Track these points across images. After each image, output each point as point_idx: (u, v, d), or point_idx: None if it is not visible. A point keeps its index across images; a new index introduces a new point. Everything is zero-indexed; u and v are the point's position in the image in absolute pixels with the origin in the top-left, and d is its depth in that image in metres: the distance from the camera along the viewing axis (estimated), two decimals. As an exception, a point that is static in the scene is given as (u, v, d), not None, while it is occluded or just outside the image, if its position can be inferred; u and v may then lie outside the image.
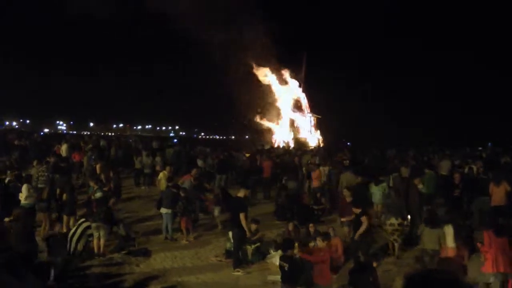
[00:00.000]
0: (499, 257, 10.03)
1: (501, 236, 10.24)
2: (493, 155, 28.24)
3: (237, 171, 23.81)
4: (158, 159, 24.02)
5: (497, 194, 15.50)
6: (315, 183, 19.74)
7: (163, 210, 15.30)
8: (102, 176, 17.78)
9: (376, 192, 16.63)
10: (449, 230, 11.88)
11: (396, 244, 13.64)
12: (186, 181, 17.50)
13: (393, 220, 13.69)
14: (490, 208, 15.61)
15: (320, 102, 47.35)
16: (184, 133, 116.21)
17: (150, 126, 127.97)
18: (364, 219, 12.06)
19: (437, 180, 17.99)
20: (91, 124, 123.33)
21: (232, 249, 13.14)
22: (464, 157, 26.64)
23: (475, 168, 20.64)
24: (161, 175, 18.30)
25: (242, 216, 12.72)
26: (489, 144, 46.53)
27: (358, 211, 12.41)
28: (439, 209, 13.54)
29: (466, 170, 19.96)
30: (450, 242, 11.83)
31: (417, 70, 61.50)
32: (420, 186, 15.78)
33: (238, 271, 12.49)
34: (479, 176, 17.92)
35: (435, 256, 11.81)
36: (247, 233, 12.82)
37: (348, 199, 14.08)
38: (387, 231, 13.89)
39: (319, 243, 9.62)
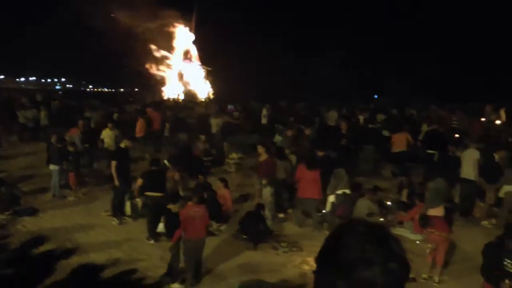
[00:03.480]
0: (309, 186, 11.96)
1: (311, 169, 11.96)
2: (381, 107, 29.55)
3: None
4: (43, 113, 23.32)
5: (399, 141, 16.86)
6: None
7: (51, 167, 14.88)
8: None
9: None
10: None
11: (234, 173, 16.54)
12: (74, 135, 17.09)
13: (234, 155, 16.88)
14: (392, 154, 16.86)
15: (211, 53, 47.04)
16: (71, 86, 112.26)
17: (34, 78, 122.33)
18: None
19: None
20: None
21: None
22: (352, 108, 27.75)
23: (361, 119, 21.56)
24: (104, 133, 17.52)
25: (112, 164, 12.98)
26: (375, 96, 48.59)
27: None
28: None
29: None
30: None
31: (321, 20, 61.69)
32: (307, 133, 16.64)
33: (113, 220, 12.76)
34: (366, 126, 18.76)
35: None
36: (116, 181, 12.88)
37: (264, 157, 13.46)
38: (229, 163, 17.03)
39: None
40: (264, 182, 13.16)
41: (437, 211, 10.51)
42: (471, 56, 51.48)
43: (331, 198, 12.18)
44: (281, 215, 13.39)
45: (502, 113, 25.09)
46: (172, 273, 9.27)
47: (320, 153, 13.66)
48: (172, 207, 9.44)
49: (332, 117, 22.93)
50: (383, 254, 1.56)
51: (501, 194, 12.79)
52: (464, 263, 10.29)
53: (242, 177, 17.16)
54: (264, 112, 25.98)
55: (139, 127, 20.05)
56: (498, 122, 23.42)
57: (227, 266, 10.11)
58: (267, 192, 13.04)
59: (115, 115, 24.20)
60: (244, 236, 11.34)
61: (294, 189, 13.33)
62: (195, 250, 9.16)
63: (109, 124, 17.76)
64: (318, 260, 1.69)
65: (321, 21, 61.81)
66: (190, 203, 9.37)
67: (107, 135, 17.14)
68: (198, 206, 9.31)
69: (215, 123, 21.47)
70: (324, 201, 12.53)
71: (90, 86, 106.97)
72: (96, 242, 11.38)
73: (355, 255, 1.56)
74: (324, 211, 12.66)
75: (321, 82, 52.22)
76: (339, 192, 12.07)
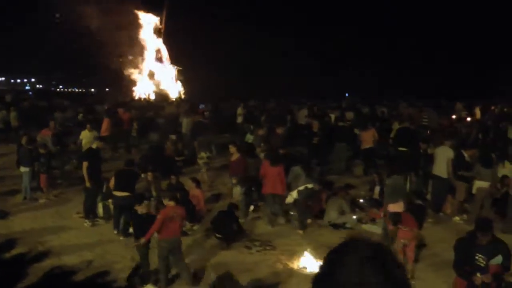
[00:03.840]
0: (273, 181, 12.34)
1: (275, 165, 12.30)
2: (353, 105, 29.80)
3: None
4: (13, 114, 23.07)
5: (366, 137, 17.46)
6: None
7: (22, 169, 14.70)
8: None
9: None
10: None
11: (206, 173, 16.45)
12: (46, 136, 16.93)
13: (202, 154, 16.54)
14: (362, 151, 17.39)
15: (182, 52, 46.79)
16: (41, 86, 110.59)
17: (3, 78, 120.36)
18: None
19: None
20: None
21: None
22: (324, 107, 28.00)
23: (333, 117, 21.68)
24: (83, 134, 17.40)
25: (84, 165, 12.78)
26: (347, 94, 49.08)
27: None
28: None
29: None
30: None
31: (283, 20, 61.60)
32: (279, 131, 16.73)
33: (86, 222, 12.66)
34: (337, 125, 18.89)
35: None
36: (87, 182, 12.73)
37: (235, 156, 13.61)
38: (199, 164, 16.68)
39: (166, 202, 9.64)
40: (234, 181, 13.27)
41: (396, 207, 10.68)
42: (442, 56, 52.21)
43: (294, 194, 12.29)
44: (251, 209, 13.54)
45: (478, 111, 25.73)
46: (137, 274, 9.21)
47: (282, 151, 13.78)
48: (138, 208, 9.35)
49: (303, 115, 23.03)
50: (382, 279, 1.51)
51: (473, 190, 12.99)
52: (436, 258, 10.42)
53: (212, 176, 17.16)
54: (240, 111, 25.94)
55: (105, 127, 19.88)
56: (468, 119, 23.78)
57: (201, 266, 10.11)
58: (237, 191, 13.15)
59: (80, 116, 24.07)
60: (218, 235, 11.34)
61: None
62: (169, 250, 9.09)
63: (88, 125, 17.64)
64: (314, 281, 1.64)
65: (294, 19, 62.04)
66: (171, 203, 9.27)
67: (85, 136, 16.98)
68: (178, 208, 9.25)
69: (186, 123, 21.37)
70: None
71: (60, 86, 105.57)
72: (68, 244, 11.28)
73: (353, 279, 1.51)
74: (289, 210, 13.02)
75: (293, 80, 52.43)
76: (301, 188, 12.17)
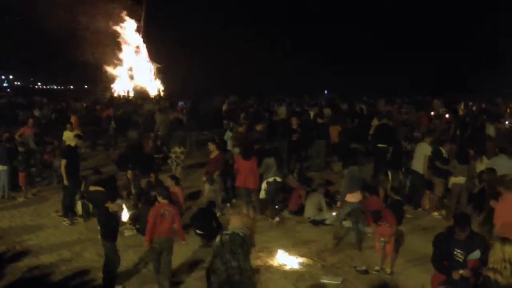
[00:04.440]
0: (245, 175, 12.30)
1: (247, 159, 12.30)
2: (331, 101, 29.95)
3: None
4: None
5: (333, 132, 18.14)
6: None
7: (-1, 167, 14.57)
8: None
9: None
10: None
11: (179, 168, 16.44)
12: (27, 135, 16.77)
13: (176, 149, 16.35)
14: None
15: (162, 49, 46.47)
16: (19, 83, 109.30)
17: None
18: None
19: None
20: None
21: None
22: (304, 104, 28.12)
23: (312, 114, 21.77)
24: (65, 134, 17.01)
25: (62, 162, 12.65)
26: (326, 91, 49.37)
27: None
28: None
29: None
30: None
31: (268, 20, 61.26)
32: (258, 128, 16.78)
33: (65, 221, 12.54)
34: (316, 121, 18.97)
35: None
36: (65, 181, 12.59)
37: (215, 154, 13.63)
38: (172, 158, 16.61)
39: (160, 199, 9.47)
40: (203, 179, 13.37)
41: (353, 197, 10.87)
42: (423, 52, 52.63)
43: (263, 186, 12.50)
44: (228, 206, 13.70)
45: (462, 107, 26.24)
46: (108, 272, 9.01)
47: (256, 146, 13.86)
48: (110, 205, 9.05)
49: (283, 112, 23.10)
50: None
51: (449, 185, 13.11)
52: (415, 254, 10.46)
53: (191, 173, 17.17)
54: (225, 107, 25.92)
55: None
56: (447, 116, 24.03)
57: (180, 263, 10.03)
58: (207, 189, 13.18)
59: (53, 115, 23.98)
60: (198, 232, 11.26)
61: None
62: (160, 251, 8.87)
63: (68, 125, 17.40)
64: None
65: (277, 16, 62.08)
66: (164, 202, 9.13)
67: (67, 137, 16.69)
68: (170, 206, 9.08)
69: (160, 120, 21.18)
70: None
71: (39, 83, 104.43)
72: (46, 243, 11.18)
73: None
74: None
75: (272, 77, 52.50)
76: (270, 179, 12.38)
